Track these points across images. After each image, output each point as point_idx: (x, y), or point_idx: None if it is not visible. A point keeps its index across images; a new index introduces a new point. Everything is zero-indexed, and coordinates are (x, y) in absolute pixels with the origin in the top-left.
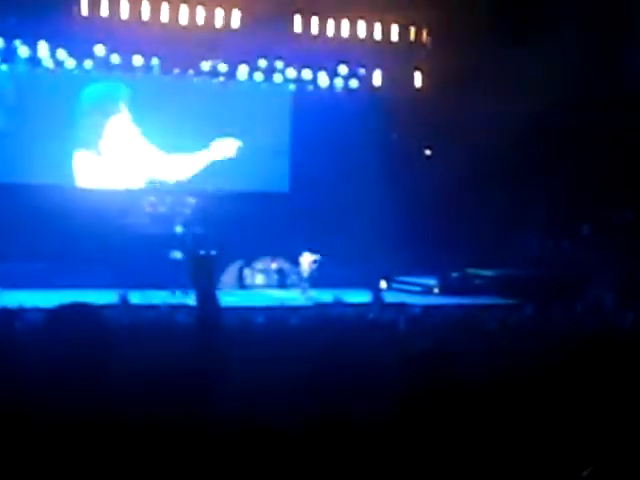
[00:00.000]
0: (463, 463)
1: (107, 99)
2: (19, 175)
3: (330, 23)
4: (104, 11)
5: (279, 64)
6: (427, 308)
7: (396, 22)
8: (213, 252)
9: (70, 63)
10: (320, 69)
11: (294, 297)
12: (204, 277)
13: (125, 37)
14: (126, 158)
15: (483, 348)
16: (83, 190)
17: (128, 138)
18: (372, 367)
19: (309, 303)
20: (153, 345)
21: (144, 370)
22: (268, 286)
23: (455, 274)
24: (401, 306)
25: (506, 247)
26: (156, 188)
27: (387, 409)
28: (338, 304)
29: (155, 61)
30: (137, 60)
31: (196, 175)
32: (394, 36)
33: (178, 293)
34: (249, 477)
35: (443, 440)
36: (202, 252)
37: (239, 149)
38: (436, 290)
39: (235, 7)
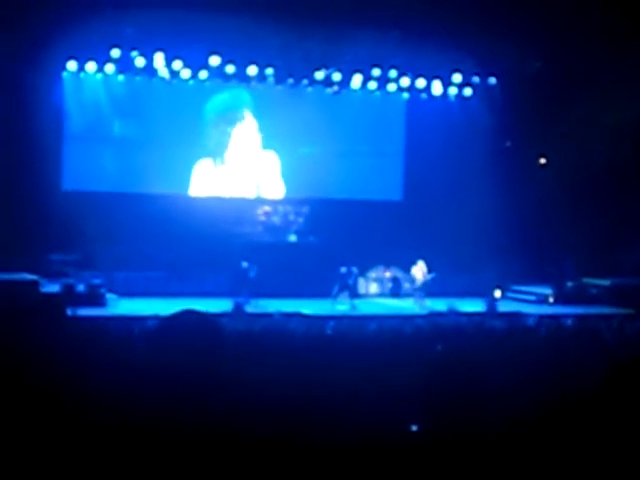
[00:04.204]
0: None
1: (232, 108)
2: (136, 184)
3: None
4: None
5: (393, 73)
6: (542, 317)
7: None
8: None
9: (185, 73)
10: (434, 78)
11: (408, 306)
12: None
13: (240, 47)
14: (248, 166)
15: (601, 359)
16: (198, 199)
17: (252, 146)
18: (490, 377)
19: (423, 312)
20: (267, 354)
21: (258, 379)
22: (382, 295)
23: (570, 283)
24: (516, 315)
25: (621, 256)
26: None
27: (506, 420)
28: (452, 313)
29: (269, 71)
30: (252, 70)
31: (310, 184)
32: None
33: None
34: None
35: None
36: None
37: (354, 157)
38: (551, 299)
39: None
